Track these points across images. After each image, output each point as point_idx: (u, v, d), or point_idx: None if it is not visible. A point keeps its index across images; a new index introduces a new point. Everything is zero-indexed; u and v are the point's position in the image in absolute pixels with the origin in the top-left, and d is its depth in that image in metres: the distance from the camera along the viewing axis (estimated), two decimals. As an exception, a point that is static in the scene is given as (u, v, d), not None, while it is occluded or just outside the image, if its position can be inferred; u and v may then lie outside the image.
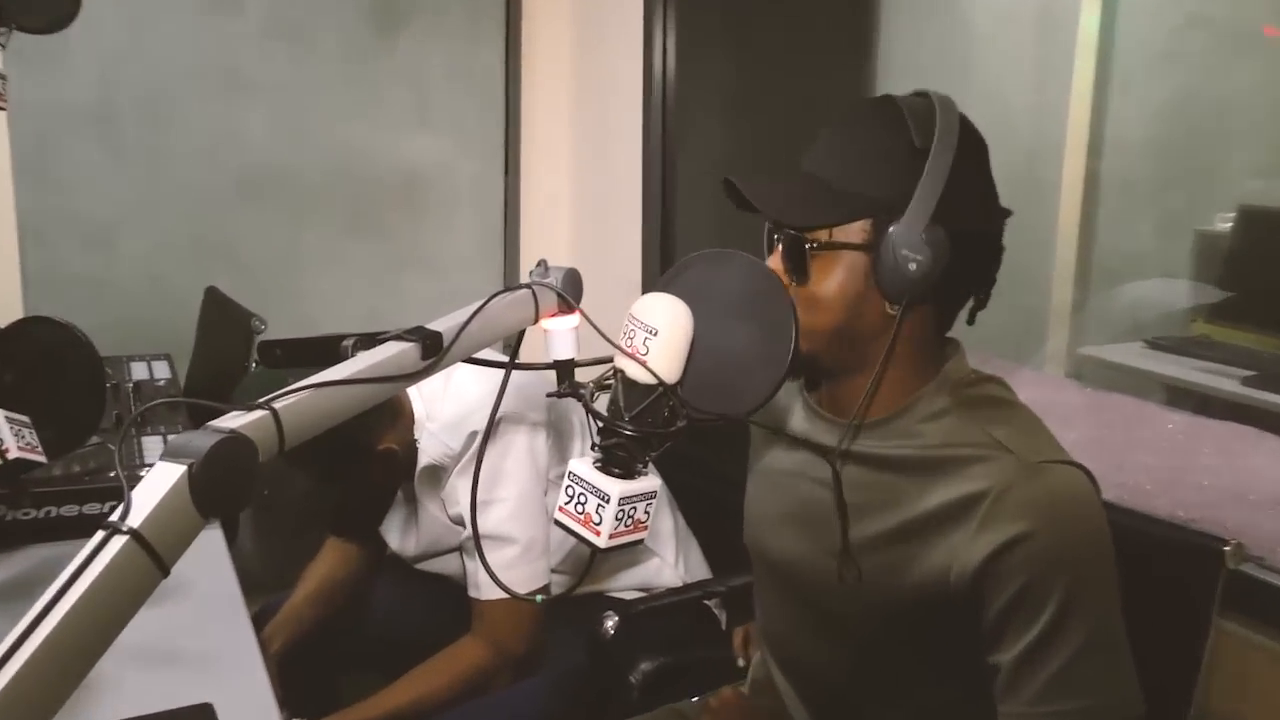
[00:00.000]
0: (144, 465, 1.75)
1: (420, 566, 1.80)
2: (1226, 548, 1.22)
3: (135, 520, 0.73)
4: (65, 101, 2.56)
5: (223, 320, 2.40)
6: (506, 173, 3.02)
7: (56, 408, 1.38)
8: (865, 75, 2.66)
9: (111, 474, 1.67)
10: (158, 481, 0.76)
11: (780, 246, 1.10)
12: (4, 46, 1.66)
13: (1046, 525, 0.99)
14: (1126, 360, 2.32)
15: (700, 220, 2.50)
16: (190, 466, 0.75)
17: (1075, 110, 2.51)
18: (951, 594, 1.03)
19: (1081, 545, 1.00)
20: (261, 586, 1.81)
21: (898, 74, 2.64)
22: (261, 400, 0.84)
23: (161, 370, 2.36)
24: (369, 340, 0.99)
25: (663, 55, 2.50)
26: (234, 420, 0.81)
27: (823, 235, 1.06)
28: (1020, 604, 1.00)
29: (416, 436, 1.62)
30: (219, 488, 0.77)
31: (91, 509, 1.63)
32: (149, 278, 2.69)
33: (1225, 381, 2.07)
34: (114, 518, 0.74)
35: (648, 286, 2.52)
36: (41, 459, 1.32)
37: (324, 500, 1.96)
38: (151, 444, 1.85)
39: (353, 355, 0.97)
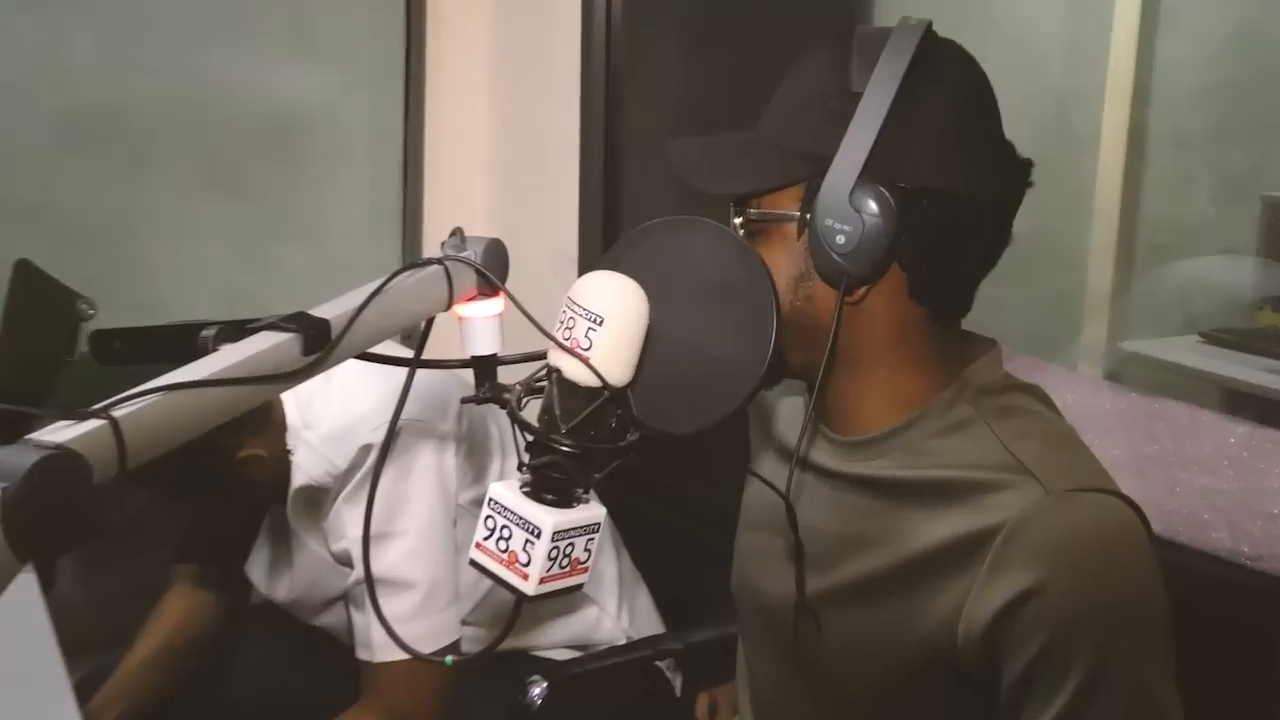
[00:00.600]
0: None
1: (300, 616, 1.78)
2: (1310, 595, 1.25)
3: (-71, 562, 0.72)
4: None
5: (38, 303, 2.34)
6: (407, 116, 2.99)
7: None
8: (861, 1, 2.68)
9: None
10: (-40, 512, 0.74)
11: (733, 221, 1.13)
12: None
13: (1069, 571, 0.99)
14: (1178, 358, 2.37)
15: (653, 179, 2.50)
16: (3, 492, 0.74)
17: (1118, 48, 2.55)
18: (959, 656, 1.04)
19: (1116, 597, 1.01)
20: (88, 645, 1.78)
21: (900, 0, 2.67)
22: (97, 407, 0.83)
23: (-43, 366, 2.30)
24: (235, 330, 0.98)
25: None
26: (61, 432, 0.80)
27: (756, 204, 1.10)
28: (1039, 671, 1.01)
29: (290, 447, 1.61)
30: (42, 520, 0.76)
31: None
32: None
33: (1298, 384, 2.12)
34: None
35: (587, 263, 2.52)
36: None
37: (168, 528, 1.93)
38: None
39: (215, 349, 0.96)
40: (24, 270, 2.47)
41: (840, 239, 1.03)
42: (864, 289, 1.06)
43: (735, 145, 1.12)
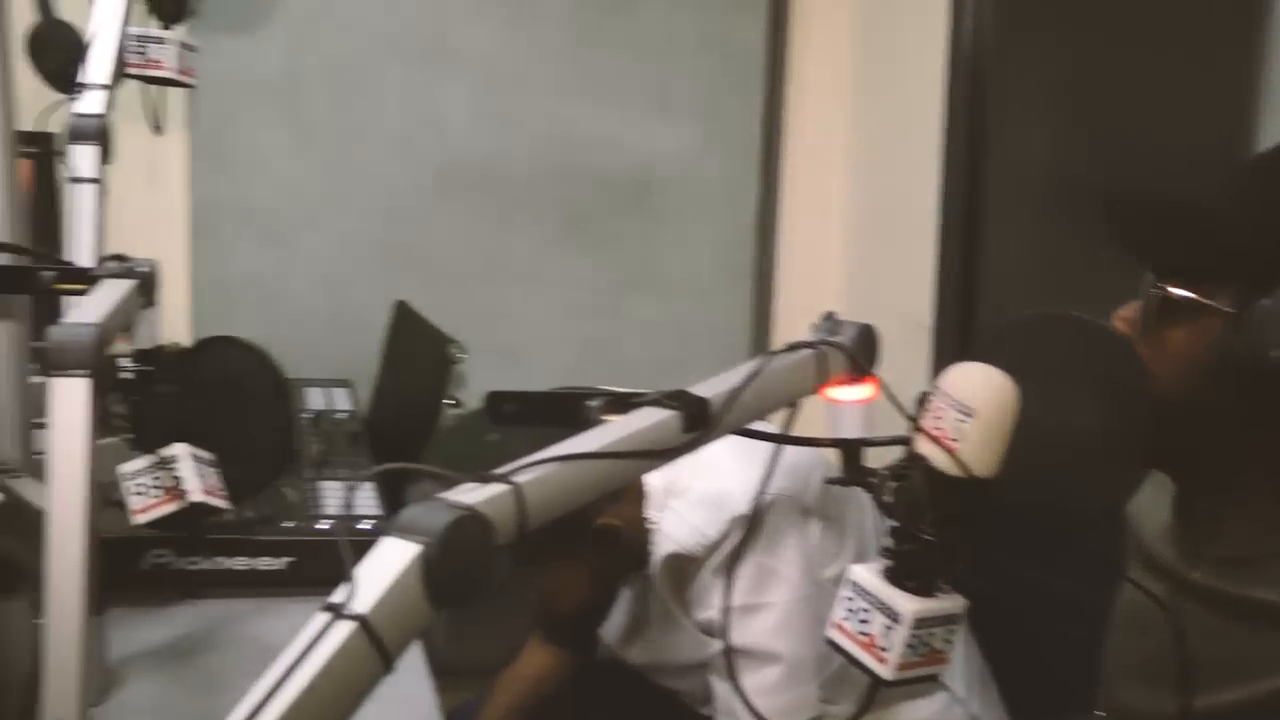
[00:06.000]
0: (320, 516, 1.90)
1: (651, 678, 1.84)
2: None
3: (363, 605, 0.83)
4: (248, 75, 2.82)
5: (413, 344, 2.57)
6: (763, 175, 3.09)
7: (242, 445, 1.54)
8: (1251, 62, 2.58)
9: (286, 524, 1.84)
10: (386, 561, 0.85)
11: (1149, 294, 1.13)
12: (195, 14, 1.87)
13: None
14: None
15: (1017, 251, 2.47)
16: (425, 547, 0.84)
17: None
18: None
19: None
20: (452, 674, 1.89)
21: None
22: (501, 471, 0.92)
23: (341, 400, 2.54)
24: (619, 403, 1.06)
25: (974, 31, 2.51)
26: (470, 494, 0.89)
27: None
28: None
29: (652, 515, 1.68)
30: (454, 575, 0.85)
31: (265, 564, 1.79)
32: (327, 284, 2.91)
33: None
34: (338, 599, 0.84)
35: (944, 336, 2.52)
36: (225, 504, 1.47)
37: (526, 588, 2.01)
38: (331, 490, 2.01)
39: (600, 420, 1.04)
40: (402, 312, 2.72)
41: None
42: None
43: (1196, 223, 1.12)
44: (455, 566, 0.85)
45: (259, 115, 2.85)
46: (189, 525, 1.47)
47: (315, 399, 2.50)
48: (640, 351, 3.04)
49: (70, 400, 1.18)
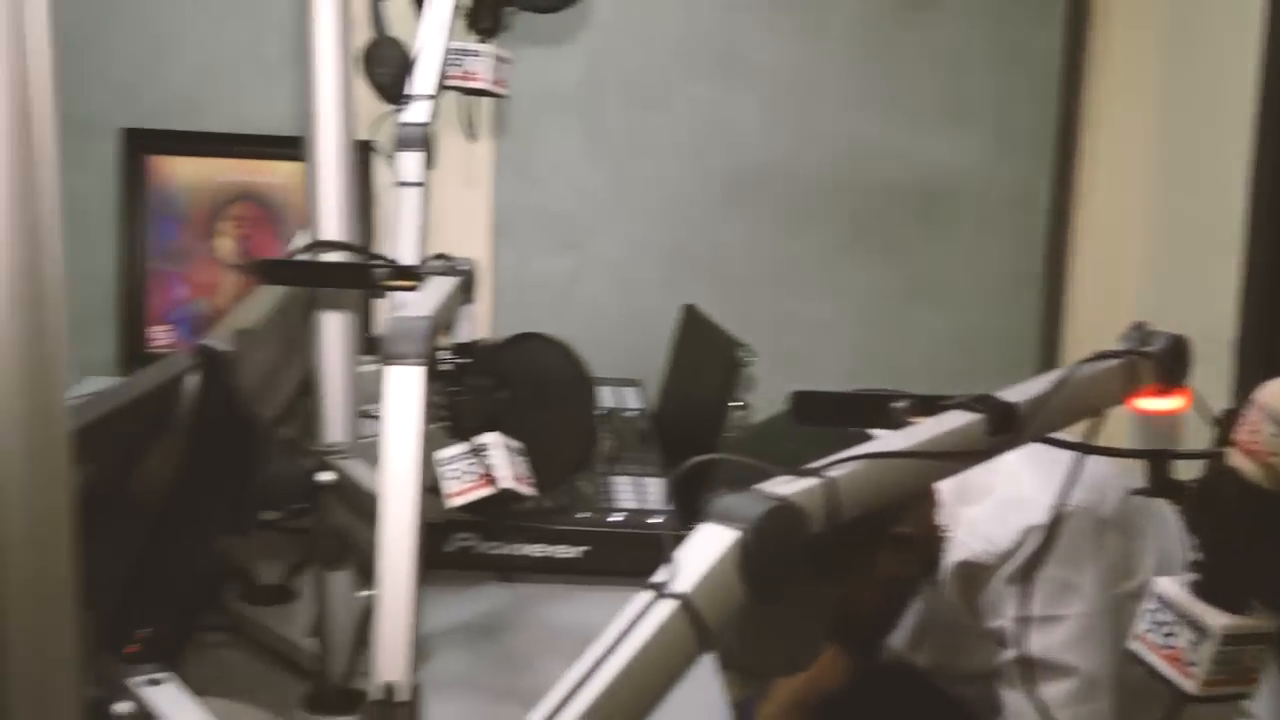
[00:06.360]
0: (613, 509, 1.98)
1: (936, 683, 1.85)
2: None
3: (684, 585, 0.88)
4: (551, 86, 2.95)
5: (701, 346, 2.63)
6: (1056, 184, 3.04)
7: (546, 436, 1.62)
8: None
9: (581, 515, 1.93)
10: (706, 546, 0.90)
11: None
12: (508, 28, 1.98)
13: None
14: None
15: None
16: (743, 533, 0.89)
17: None
18: None
19: None
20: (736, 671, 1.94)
21: None
22: (815, 465, 0.96)
23: (631, 399, 2.63)
24: (925, 405, 1.08)
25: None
26: (785, 486, 0.94)
27: None
28: None
29: (944, 523, 1.68)
30: (768, 560, 0.90)
31: (562, 552, 1.89)
32: (618, 287, 3.02)
33: None
34: (660, 579, 0.89)
35: (1249, 350, 2.42)
36: (531, 492, 1.55)
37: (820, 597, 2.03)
38: (622, 485, 2.09)
39: (906, 422, 1.07)
40: (691, 315, 2.80)
41: None
42: None
43: None
44: (770, 552, 0.90)
45: (559, 124, 2.98)
46: (496, 511, 1.57)
47: (606, 397, 2.59)
48: (923, 360, 3.02)
49: (404, 387, 1.27)
